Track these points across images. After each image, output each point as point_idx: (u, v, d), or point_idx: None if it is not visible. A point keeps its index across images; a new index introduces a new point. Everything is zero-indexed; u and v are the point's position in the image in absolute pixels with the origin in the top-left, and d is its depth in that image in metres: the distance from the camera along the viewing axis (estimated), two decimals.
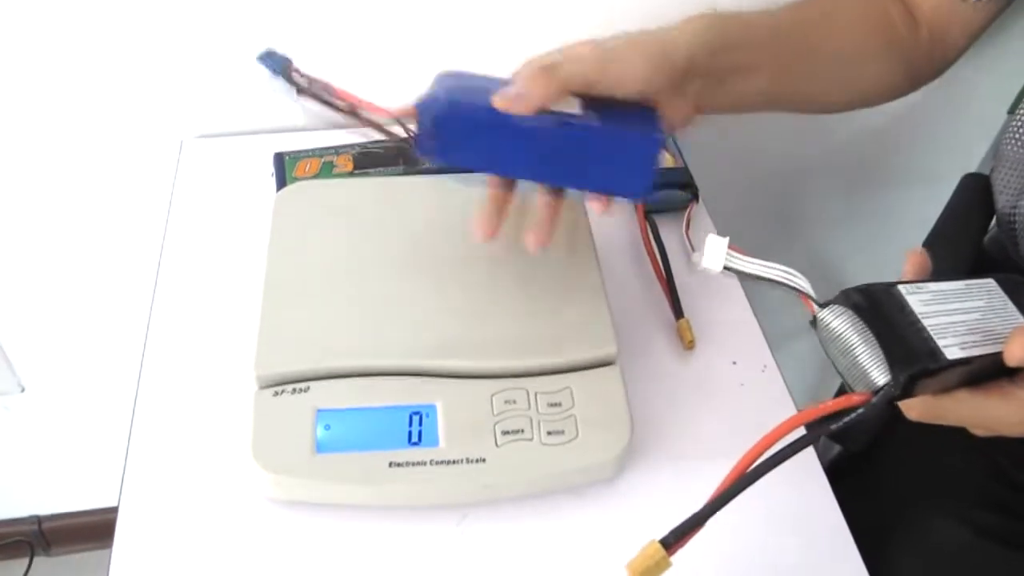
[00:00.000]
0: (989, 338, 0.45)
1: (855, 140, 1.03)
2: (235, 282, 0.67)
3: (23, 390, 1.07)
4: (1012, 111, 0.90)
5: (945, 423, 0.47)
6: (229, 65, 0.81)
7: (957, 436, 0.48)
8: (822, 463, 0.62)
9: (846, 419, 0.42)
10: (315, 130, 0.84)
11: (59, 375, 1.07)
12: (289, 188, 0.69)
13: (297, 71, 0.52)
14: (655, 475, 0.60)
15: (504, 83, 0.51)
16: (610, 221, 0.77)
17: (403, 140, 0.51)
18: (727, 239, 0.43)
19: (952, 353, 0.43)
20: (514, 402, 0.56)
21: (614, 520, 0.57)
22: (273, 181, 0.76)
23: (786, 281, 0.44)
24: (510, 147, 0.52)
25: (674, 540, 0.39)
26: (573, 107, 0.51)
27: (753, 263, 0.44)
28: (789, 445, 0.42)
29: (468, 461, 0.54)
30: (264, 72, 0.52)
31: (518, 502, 0.57)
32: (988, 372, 0.45)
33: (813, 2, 0.63)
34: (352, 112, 0.52)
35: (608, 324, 0.59)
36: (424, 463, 0.54)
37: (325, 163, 0.77)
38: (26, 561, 1.32)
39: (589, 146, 0.52)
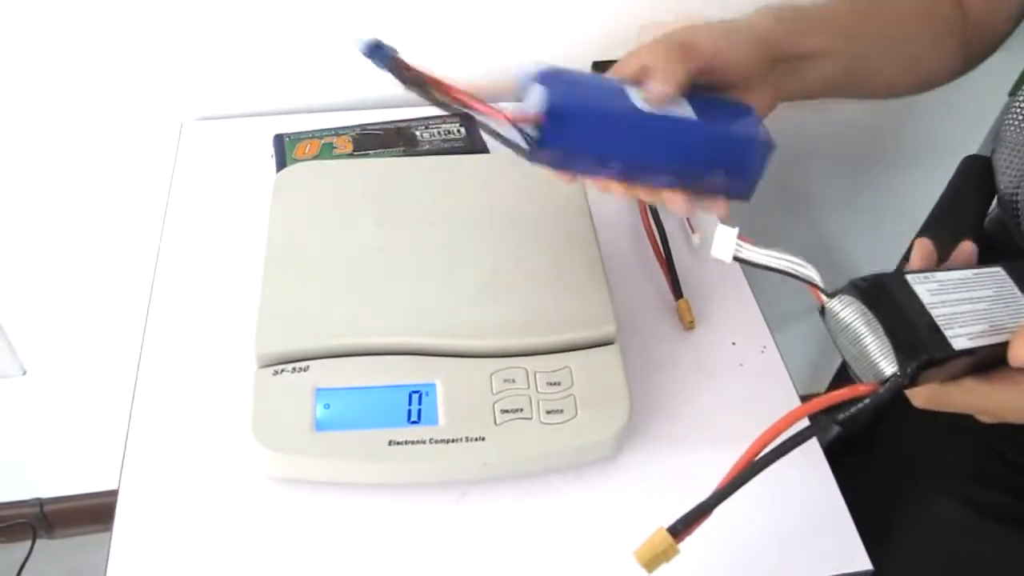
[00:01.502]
0: (996, 328, 0.44)
1: (856, 122, 1.03)
2: (235, 263, 0.67)
3: (25, 373, 1.08)
4: (1013, 93, 0.90)
5: (951, 410, 0.47)
6: (229, 47, 0.81)
7: (957, 417, 0.48)
8: (821, 443, 0.62)
9: (852, 409, 0.42)
10: (314, 112, 0.84)
11: (61, 358, 1.07)
12: (289, 169, 0.69)
13: (405, 65, 0.50)
14: (654, 454, 0.60)
15: (609, 81, 0.51)
16: (610, 203, 0.76)
17: (518, 147, 0.49)
18: (737, 229, 0.43)
19: (959, 343, 0.43)
20: (513, 381, 0.56)
21: (613, 498, 0.58)
22: (273, 162, 0.76)
23: (795, 272, 0.44)
24: (628, 147, 0.51)
25: (682, 528, 0.40)
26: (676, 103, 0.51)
27: (762, 253, 0.44)
28: (796, 434, 0.42)
29: (467, 440, 0.54)
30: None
31: (517, 480, 0.57)
32: (994, 360, 0.45)
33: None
34: (465, 114, 0.51)
35: (607, 304, 0.59)
36: (424, 441, 0.54)
37: (325, 144, 0.77)
38: (28, 543, 1.33)
39: (707, 146, 0.52)
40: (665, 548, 0.39)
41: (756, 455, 0.41)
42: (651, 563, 0.39)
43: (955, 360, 0.43)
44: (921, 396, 0.46)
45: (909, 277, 0.45)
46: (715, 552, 0.56)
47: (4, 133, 0.83)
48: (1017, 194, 0.68)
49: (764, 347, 0.67)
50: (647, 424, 0.61)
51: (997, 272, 0.49)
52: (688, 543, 0.56)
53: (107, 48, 0.78)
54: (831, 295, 0.44)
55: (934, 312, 0.43)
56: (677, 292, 0.69)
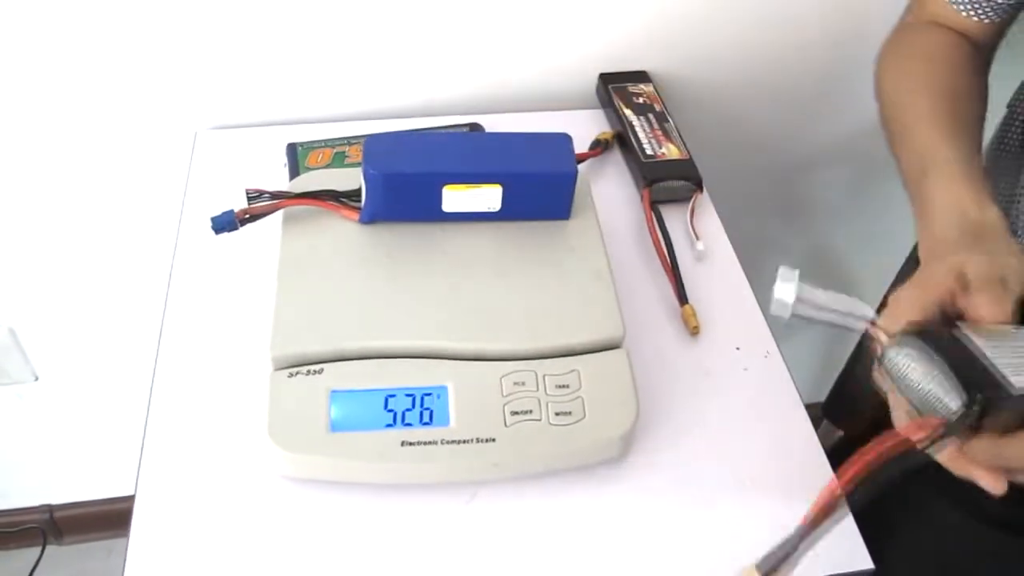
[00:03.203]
0: None
1: (857, 131, 1.04)
2: (250, 268, 0.69)
3: (37, 379, 1.09)
4: (1012, 104, 0.91)
5: (1012, 466, 0.46)
6: (242, 57, 0.82)
7: None
8: (824, 448, 0.63)
9: (928, 443, 0.42)
10: (327, 121, 0.85)
11: (73, 364, 1.08)
12: (302, 177, 0.70)
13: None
14: (660, 456, 0.61)
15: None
16: (617, 210, 0.78)
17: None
18: (797, 271, 0.44)
19: (1020, 384, 0.43)
20: (523, 384, 0.57)
21: (620, 499, 0.59)
22: (286, 171, 0.78)
23: (855, 312, 0.44)
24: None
25: (769, 569, 0.40)
26: None
27: (823, 296, 0.44)
28: (884, 466, 0.42)
29: (478, 440, 0.55)
30: None
31: (527, 481, 0.59)
32: None
33: (945, 93, 0.64)
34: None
35: (615, 308, 0.61)
36: (435, 442, 0.55)
37: (337, 153, 0.78)
38: (38, 549, 1.34)
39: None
40: None
41: (839, 489, 0.41)
42: None
43: (1014, 407, 0.43)
44: (981, 453, 0.45)
45: (961, 325, 0.46)
46: (715, 551, 0.57)
47: (20, 141, 0.84)
48: (1008, 212, 0.69)
49: (768, 352, 0.68)
50: (653, 427, 0.62)
51: None
52: (691, 541, 0.57)
53: (122, 58, 0.80)
54: (892, 338, 0.45)
55: (991, 358, 0.44)
56: (682, 298, 0.70)
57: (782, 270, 0.44)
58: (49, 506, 1.33)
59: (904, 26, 0.72)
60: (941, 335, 0.45)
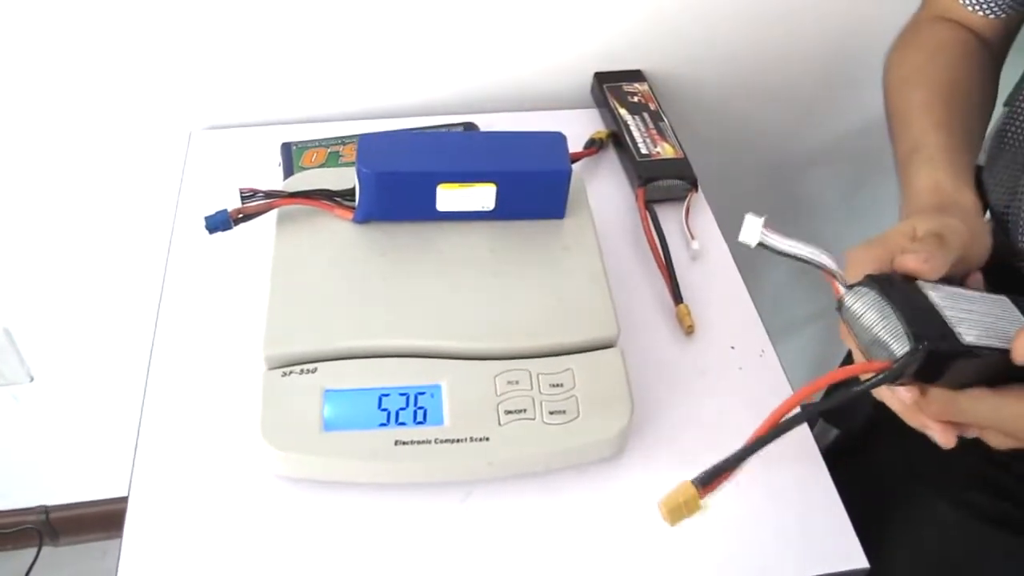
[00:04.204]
0: (1003, 337, 0.46)
1: (854, 130, 1.05)
2: (243, 267, 0.68)
3: (32, 379, 1.09)
4: (1009, 103, 0.91)
5: (963, 420, 0.47)
6: (237, 57, 0.82)
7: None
8: (819, 446, 0.63)
9: (868, 383, 0.43)
10: (322, 121, 0.85)
11: (68, 365, 1.08)
12: (296, 176, 0.70)
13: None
14: (655, 455, 0.61)
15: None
16: (612, 209, 0.78)
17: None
18: (764, 217, 0.45)
19: (968, 339, 0.44)
20: (517, 383, 0.57)
21: (615, 497, 0.59)
22: (280, 171, 0.78)
23: (815, 260, 0.46)
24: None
25: (706, 481, 0.40)
26: None
27: (785, 242, 0.45)
28: (820, 401, 0.44)
29: (472, 440, 0.55)
30: None
31: (521, 480, 0.58)
32: (1002, 374, 0.46)
33: (942, 84, 0.66)
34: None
35: (609, 307, 0.61)
36: (429, 441, 0.55)
37: (332, 153, 0.78)
38: (34, 551, 1.34)
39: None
40: (687, 499, 0.40)
41: (781, 418, 0.42)
42: (673, 513, 0.40)
43: (965, 361, 0.45)
44: (934, 404, 0.47)
45: (919, 282, 0.47)
46: (713, 551, 0.57)
47: (13, 141, 0.84)
48: (1008, 211, 0.69)
49: (762, 351, 0.68)
50: (648, 426, 0.62)
51: (1002, 300, 0.50)
52: (687, 539, 0.57)
53: (116, 58, 0.80)
54: (849, 286, 0.47)
55: (945, 312, 0.46)
56: (677, 297, 0.70)
57: (748, 217, 0.46)
58: (45, 507, 1.33)
59: (916, 20, 0.73)
60: (897, 284, 0.46)
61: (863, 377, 0.44)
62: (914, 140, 0.62)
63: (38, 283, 0.98)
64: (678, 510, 0.40)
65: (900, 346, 0.44)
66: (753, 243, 0.46)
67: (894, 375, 0.43)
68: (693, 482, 0.40)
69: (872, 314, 0.45)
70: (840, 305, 0.47)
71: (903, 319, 0.44)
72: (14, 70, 0.79)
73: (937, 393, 0.46)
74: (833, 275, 0.47)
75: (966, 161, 0.59)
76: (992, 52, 0.71)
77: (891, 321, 0.44)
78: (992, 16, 0.69)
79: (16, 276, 0.96)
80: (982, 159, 0.76)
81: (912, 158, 0.60)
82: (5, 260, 0.94)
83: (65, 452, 1.22)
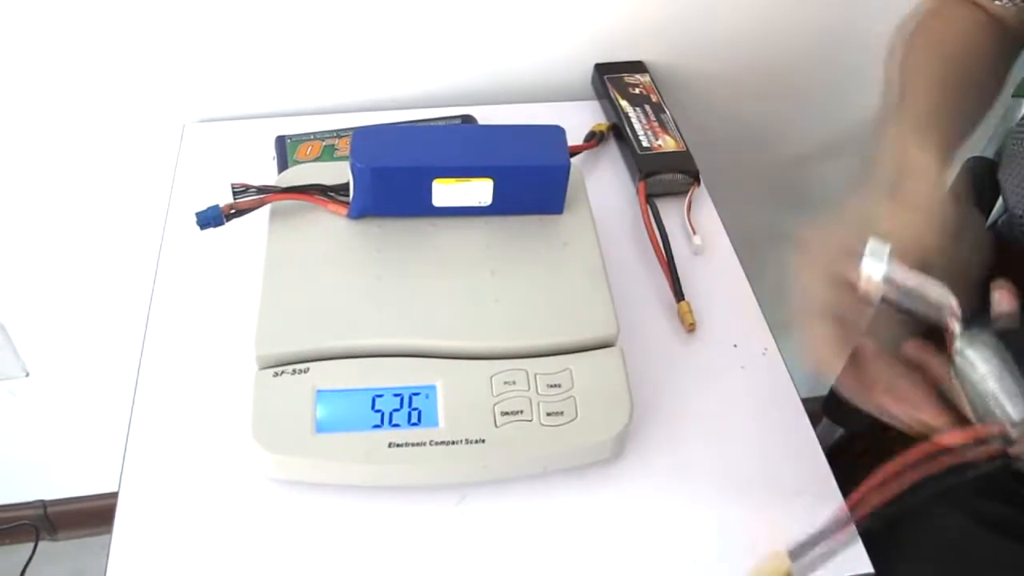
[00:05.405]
0: None
1: (859, 122, 1.03)
2: (236, 265, 0.67)
3: (28, 375, 1.08)
4: (1018, 95, 0.90)
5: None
6: (230, 49, 0.81)
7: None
8: (824, 448, 0.62)
9: (981, 449, 0.40)
10: (317, 113, 0.84)
11: (63, 360, 1.07)
12: (291, 170, 0.69)
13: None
14: (655, 456, 0.60)
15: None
16: (612, 204, 0.77)
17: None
18: (889, 246, 0.41)
19: None
20: (514, 383, 0.56)
21: (613, 500, 0.58)
22: (275, 164, 0.76)
23: (944, 300, 0.42)
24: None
25: (800, 553, 0.39)
26: None
27: (912, 276, 0.41)
28: (936, 475, 0.41)
29: (467, 442, 0.54)
30: None
31: (517, 482, 0.57)
32: None
33: (944, 56, 0.64)
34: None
35: (609, 306, 0.59)
36: (423, 443, 0.54)
37: (326, 146, 0.77)
38: (31, 545, 1.34)
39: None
40: (784, 572, 0.38)
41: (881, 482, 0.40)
42: None
43: None
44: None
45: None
46: (714, 552, 0.56)
47: (6, 135, 0.83)
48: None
49: (766, 349, 0.67)
50: (648, 426, 0.61)
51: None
52: (687, 542, 0.56)
53: (109, 50, 0.79)
54: (965, 331, 0.43)
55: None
56: (678, 294, 0.69)
57: (871, 244, 0.41)
58: (42, 502, 1.33)
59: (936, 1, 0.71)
60: (1014, 336, 0.42)
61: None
62: (895, 97, 0.60)
63: (33, 278, 0.97)
64: None
65: (1016, 409, 0.40)
66: (878, 276, 0.41)
67: (1004, 443, 0.40)
68: (790, 552, 0.38)
69: (987, 367, 0.41)
70: (956, 347, 0.43)
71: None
72: (5, 64, 0.78)
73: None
74: (956, 319, 0.42)
75: (943, 127, 0.57)
76: (1010, 39, 0.69)
77: (1009, 377, 0.40)
78: (1009, 4, 0.67)
79: (10, 271, 0.96)
80: (993, 148, 0.75)
81: (890, 115, 0.59)
82: None
83: (62, 447, 1.21)
